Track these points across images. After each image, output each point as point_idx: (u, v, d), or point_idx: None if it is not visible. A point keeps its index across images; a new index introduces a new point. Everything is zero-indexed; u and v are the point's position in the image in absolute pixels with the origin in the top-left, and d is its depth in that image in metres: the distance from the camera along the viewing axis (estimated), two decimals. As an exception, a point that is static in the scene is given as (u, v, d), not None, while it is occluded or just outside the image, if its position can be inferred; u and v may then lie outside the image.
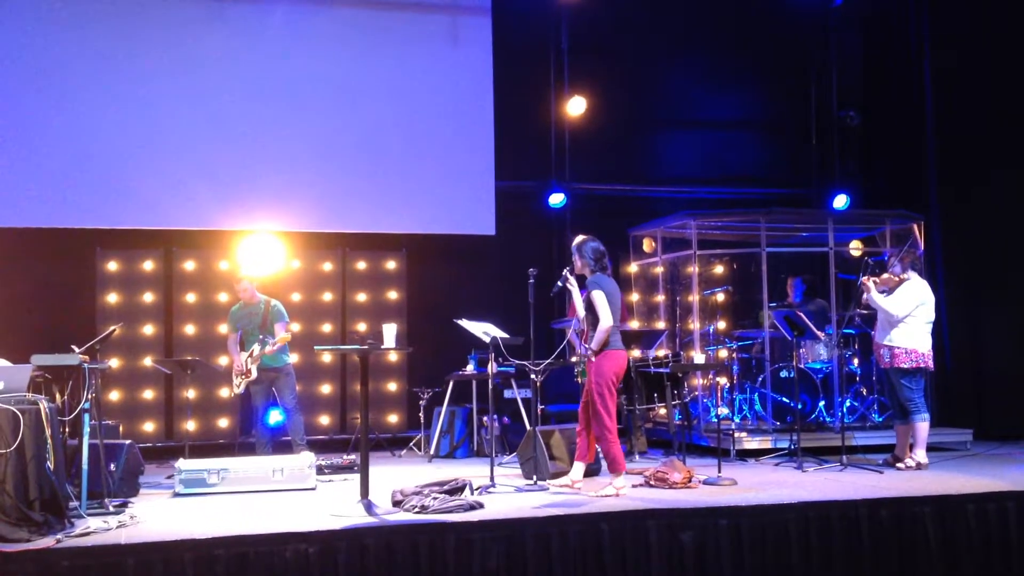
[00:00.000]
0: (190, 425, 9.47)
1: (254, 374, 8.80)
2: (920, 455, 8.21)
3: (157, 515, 6.39)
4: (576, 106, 11.59)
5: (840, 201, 11.91)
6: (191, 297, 10.45)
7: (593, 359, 7.06)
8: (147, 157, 10.19)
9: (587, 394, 7.19)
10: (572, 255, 7.30)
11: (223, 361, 9.20)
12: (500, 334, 7.85)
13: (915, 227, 10.30)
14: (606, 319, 7.00)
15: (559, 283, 7.27)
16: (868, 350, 9.07)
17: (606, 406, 7.03)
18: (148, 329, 10.34)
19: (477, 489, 6.96)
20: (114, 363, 9.75)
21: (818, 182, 12.51)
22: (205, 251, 10.57)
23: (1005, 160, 10.58)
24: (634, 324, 10.84)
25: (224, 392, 9.49)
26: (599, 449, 7.60)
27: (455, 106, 11.06)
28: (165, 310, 10.41)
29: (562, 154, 11.73)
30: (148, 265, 10.44)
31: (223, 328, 9.26)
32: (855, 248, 10.85)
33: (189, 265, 10.47)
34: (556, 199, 11.55)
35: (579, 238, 7.35)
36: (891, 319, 8.26)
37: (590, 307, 7.09)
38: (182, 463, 7.46)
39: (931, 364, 8.37)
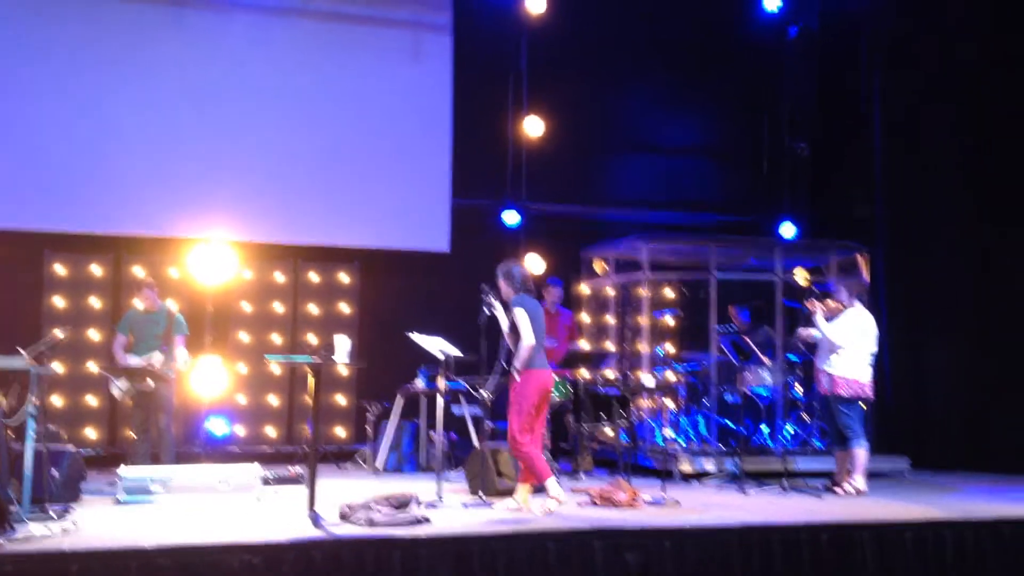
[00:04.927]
0: (133, 433, 9.33)
1: (151, 384, 8.35)
2: (859, 481, 8.36)
3: (99, 522, 6.32)
4: (533, 127, 11.68)
5: (788, 230, 12.15)
6: (140, 304, 10.30)
7: (517, 378, 7.12)
8: (99, 161, 10.12)
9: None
10: (498, 279, 7.38)
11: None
12: (452, 351, 7.89)
13: (860, 258, 10.52)
14: (528, 337, 7.06)
15: (485, 310, 7.34)
16: (811, 377, 9.25)
17: (521, 423, 7.04)
18: (94, 335, 10.23)
19: (424, 504, 6.97)
20: (58, 368, 9.60)
21: (768, 210, 12.73)
22: (155, 258, 10.47)
23: (950, 198, 10.83)
24: (584, 344, 10.93)
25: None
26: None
27: (413, 122, 11.11)
28: (112, 316, 10.28)
29: (518, 174, 11.81)
30: (96, 270, 10.34)
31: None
32: (801, 277, 11.06)
33: (138, 271, 10.35)
34: (511, 218, 11.63)
35: (505, 264, 7.46)
36: (832, 346, 8.43)
37: (513, 327, 7.17)
38: (124, 470, 7.38)
39: (870, 393, 8.54)
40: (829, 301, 8.61)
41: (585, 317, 11.43)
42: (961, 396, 10.68)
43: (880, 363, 9.68)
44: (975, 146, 10.76)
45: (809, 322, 8.65)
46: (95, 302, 10.30)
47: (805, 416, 10.24)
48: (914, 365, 10.97)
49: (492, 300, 7.32)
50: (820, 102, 12.53)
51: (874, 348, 8.55)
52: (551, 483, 7.08)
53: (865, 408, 8.63)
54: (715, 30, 12.39)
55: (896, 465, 9.90)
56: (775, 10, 12.46)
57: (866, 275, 10.41)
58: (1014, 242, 10.63)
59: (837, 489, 8.40)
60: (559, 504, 6.96)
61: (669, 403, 10.34)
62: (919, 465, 10.12)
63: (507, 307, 7.33)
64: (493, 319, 7.40)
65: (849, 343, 8.41)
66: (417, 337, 8.12)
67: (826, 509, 7.43)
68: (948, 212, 10.81)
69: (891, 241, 11.14)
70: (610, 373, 9.85)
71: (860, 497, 8.20)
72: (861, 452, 8.39)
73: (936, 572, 6.64)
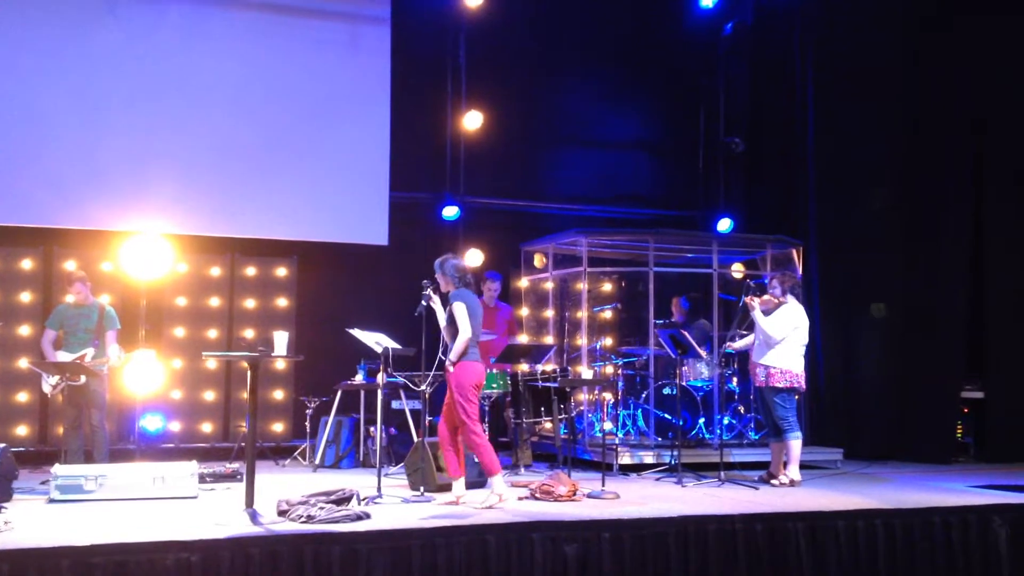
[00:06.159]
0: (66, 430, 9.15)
1: (82, 379, 8.20)
2: (793, 472, 8.51)
3: (32, 521, 6.20)
4: (472, 120, 11.68)
5: (724, 224, 12.30)
6: (71, 298, 10.11)
7: (451, 369, 7.17)
8: (30, 153, 9.89)
9: (447, 407, 7.31)
10: (435, 273, 7.40)
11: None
12: (392, 345, 7.87)
13: (794, 252, 10.69)
14: (465, 331, 7.13)
15: (422, 303, 7.36)
16: (747, 370, 9.39)
17: (468, 413, 7.14)
18: (24, 330, 10.02)
19: (364, 499, 6.95)
20: (-13, 364, 9.41)
21: (704, 205, 12.89)
22: (87, 251, 10.28)
23: (882, 193, 11.03)
24: (523, 338, 10.97)
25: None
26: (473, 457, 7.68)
27: (352, 114, 11.04)
28: (44, 311, 10.04)
29: (457, 167, 11.81)
30: (27, 264, 10.13)
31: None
32: (737, 270, 11.21)
33: (70, 265, 10.13)
34: (450, 212, 11.61)
35: (441, 257, 7.48)
36: (768, 340, 8.56)
37: (451, 320, 7.22)
38: (58, 468, 7.24)
39: (803, 385, 8.69)
40: (765, 296, 8.75)
41: (524, 311, 11.47)
42: (892, 388, 10.90)
43: (813, 356, 9.86)
44: (906, 141, 10.99)
45: (745, 316, 8.77)
46: (25, 296, 10.08)
47: (741, 408, 10.39)
48: (846, 358, 11.17)
49: (431, 293, 7.33)
50: (755, 97, 12.70)
51: (806, 340, 8.70)
52: (498, 479, 7.12)
53: (798, 399, 8.80)
54: (652, 25, 12.51)
55: (829, 456, 10.09)
56: (711, 5, 12.57)
57: (800, 268, 10.58)
58: (942, 237, 10.88)
59: (773, 480, 8.54)
60: (501, 501, 6.98)
61: (608, 396, 10.42)
62: (852, 456, 10.33)
63: (445, 300, 7.35)
64: (430, 312, 7.41)
65: (784, 337, 8.54)
66: (356, 332, 8.08)
67: (761, 500, 7.55)
68: (879, 207, 11.01)
69: (824, 235, 11.32)
70: (549, 367, 9.89)
71: (794, 488, 8.35)
72: (796, 443, 8.53)
73: (867, 560, 6.80)
